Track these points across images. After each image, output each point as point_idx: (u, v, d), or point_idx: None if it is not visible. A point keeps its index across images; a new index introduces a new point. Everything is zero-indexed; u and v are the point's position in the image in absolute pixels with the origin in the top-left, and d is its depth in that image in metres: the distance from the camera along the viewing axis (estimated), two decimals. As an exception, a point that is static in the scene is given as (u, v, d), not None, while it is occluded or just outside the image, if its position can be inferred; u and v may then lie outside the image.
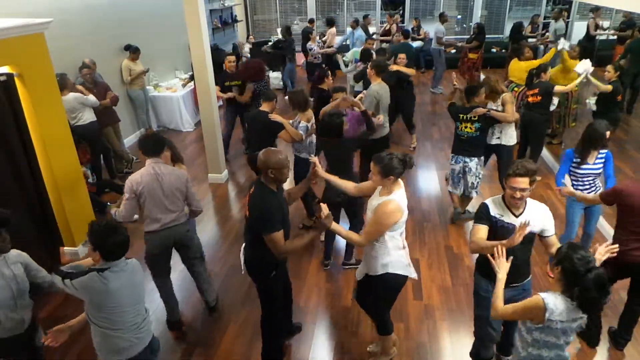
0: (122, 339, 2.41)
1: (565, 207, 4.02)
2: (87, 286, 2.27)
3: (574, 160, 3.78)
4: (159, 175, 3.28)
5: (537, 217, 2.66)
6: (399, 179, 2.86)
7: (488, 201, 2.79)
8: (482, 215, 2.76)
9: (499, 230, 2.69)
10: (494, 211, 2.73)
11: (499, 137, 5.03)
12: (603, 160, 3.74)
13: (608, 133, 3.67)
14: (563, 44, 6.44)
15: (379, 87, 5.15)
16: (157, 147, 3.37)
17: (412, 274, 2.99)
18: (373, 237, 2.83)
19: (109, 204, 5.17)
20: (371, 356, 3.41)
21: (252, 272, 3.10)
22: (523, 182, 2.56)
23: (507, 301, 2.42)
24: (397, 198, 2.78)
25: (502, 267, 2.47)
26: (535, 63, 6.57)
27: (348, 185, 3.21)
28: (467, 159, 4.82)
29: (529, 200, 2.70)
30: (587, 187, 3.80)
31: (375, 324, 3.27)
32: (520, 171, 2.56)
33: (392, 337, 3.27)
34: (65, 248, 4.51)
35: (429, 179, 6.20)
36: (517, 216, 2.68)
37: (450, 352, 3.47)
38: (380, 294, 3.08)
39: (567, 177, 3.65)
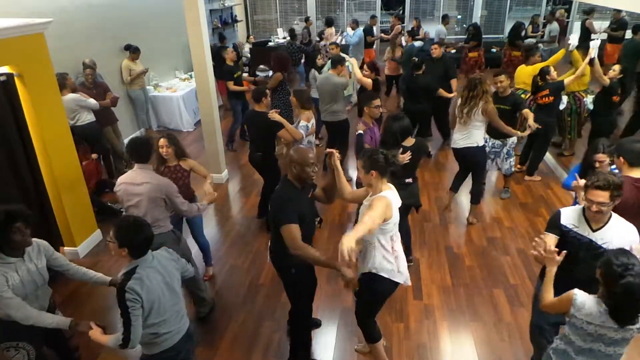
0: (166, 334, 2.44)
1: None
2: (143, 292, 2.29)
3: None
4: (135, 182, 3.26)
5: (618, 235, 2.47)
6: (386, 181, 2.81)
7: (563, 209, 2.67)
8: (552, 223, 2.64)
9: (569, 242, 2.56)
10: (566, 220, 2.60)
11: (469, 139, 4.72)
12: None
13: (600, 156, 3.41)
14: (573, 41, 6.19)
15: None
16: (140, 154, 3.30)
17: (401, 279, 2.90)
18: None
19: (122, 210, 5.20)
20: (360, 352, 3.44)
21: (275, 264, 3.13)
22: (602, 195, 2.38)
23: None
24: (388, 195, 2.73)
25: (552, 262, 2.43)
26: (541, 65, 6.17)
27: (346, 189, 3.10)
28: (497, 142, 5.19)
29: (616, 217, 2.53)
30: None
31: (361, 330, 3.21)
32: (600, 183, 2.38)
33: (380, 345, 3.20)
34: (65, 248, 4.51)
35: (429, 179, 6.19)
36: (594, 230, 2.51)
37: (450, 352, 3.47)
38: (364, 296, 3.04)
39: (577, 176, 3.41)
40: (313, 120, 4.94)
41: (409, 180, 3.96)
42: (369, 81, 5.73)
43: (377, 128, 4.40)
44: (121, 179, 3.34)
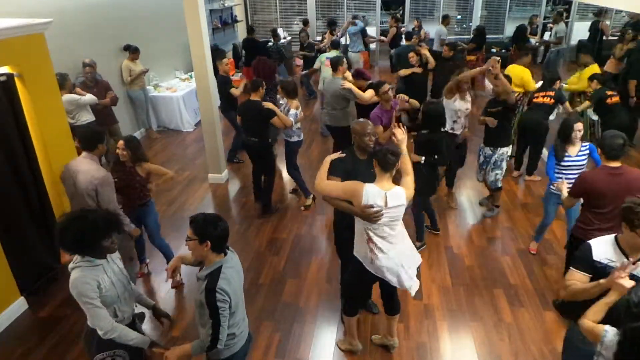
0: (236, 336, 2.44)
1: (544, 197, 4.35)
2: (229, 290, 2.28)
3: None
4: (73, 169, 3.43)
5: None
6: (386, 177, 2.83)
7: (593, 242, 2.33)
8: (582, 260, 2.31)
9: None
10: (600, 255, 2.27)
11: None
12: (587, 152, 3.96)
13: (579, 125, 3.91)
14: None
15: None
16: (87, 143, 3.45)
17: (373, 270, 2.94)
18: (323, 189, 3.00)
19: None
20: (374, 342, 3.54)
21: (334, 226, 3.64)
22: None
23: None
24: (367, 186, 2.80)
25: (620, 288, 2.04)
26: (528, 74, 6.15)
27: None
28: (488, 149, 4.99)
29: None
30: (572, 179, 3.73)
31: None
32: None
33: (353, 320, 3.33)
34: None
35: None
36: (635, 262, 2.19)
37: (450, 352, 3.47)
38: (347, 273, 3.32)
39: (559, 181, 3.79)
40: (301, 109, 5.24)
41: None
42: (366, 97, 5.12)
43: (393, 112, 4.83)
44: (67, 165, 3.52)
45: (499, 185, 5.04)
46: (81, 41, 6.35)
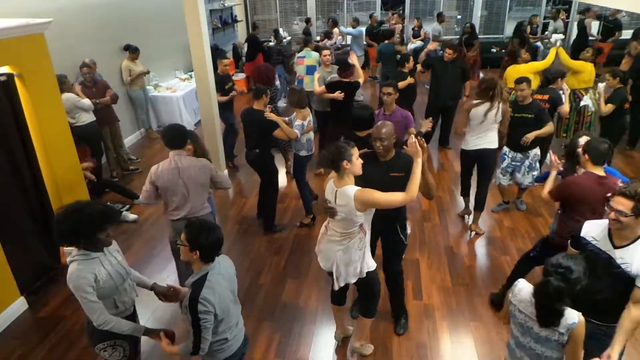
0: (229, 340, 2.45)
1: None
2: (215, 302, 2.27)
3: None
4: (179, 168, 3.36)
5: (638, 257, 2.29)
6: (340, 176, 2.79)
7: (588, 222, 2.53)
8: (574, 237, 2.53)
9: (587, 256, 2.35)
10: (586, 232, 2.46)
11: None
12: None
13: (583, 139, 3.33)
14: (556, 39, 6.19)
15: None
16: (178, 140, 3.42)
17: (319, 257, 3.10)
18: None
19: (122, 210, 5.21)
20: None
21: None
22: (624, 204, 2.22)
23: (587, 337, 2.13)
24: (330, 182, 2.88)
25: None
26: (537, 65, 6.15)
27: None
28: (519, 154, 4.91)
29: None
30: None
31: None
32: (625, 190, 2.22)
33: (334, 309, 3.43)
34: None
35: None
36: (616, 247, 2.34)
37: (450, 352, 3.47)
38: None
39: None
40: (309, 118, 4.84)
41: None
42: (316, 90, 5.90)
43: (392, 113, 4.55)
44: (159, 169, 3.37)
45: (535, 184, 5.08)
46: (81, 41, 6.35)
